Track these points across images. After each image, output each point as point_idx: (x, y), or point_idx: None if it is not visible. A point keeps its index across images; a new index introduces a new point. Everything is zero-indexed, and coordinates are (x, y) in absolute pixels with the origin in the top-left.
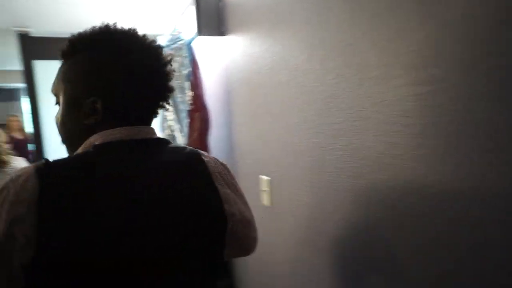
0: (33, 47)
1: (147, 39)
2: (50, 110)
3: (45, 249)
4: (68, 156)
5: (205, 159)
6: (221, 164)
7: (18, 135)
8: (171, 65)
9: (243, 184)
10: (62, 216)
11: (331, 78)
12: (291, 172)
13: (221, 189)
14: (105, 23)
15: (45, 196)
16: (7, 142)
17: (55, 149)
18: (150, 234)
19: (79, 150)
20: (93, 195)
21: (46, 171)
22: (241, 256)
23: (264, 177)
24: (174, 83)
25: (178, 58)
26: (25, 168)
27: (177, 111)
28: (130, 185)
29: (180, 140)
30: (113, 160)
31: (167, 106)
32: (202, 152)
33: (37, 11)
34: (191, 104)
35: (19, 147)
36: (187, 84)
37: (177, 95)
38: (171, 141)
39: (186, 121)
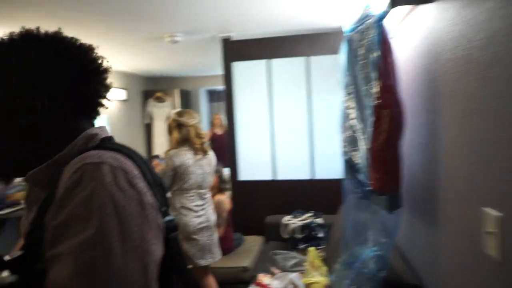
0: (233, 50)
1: (76, 40)
2: (244, 107)
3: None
4: (108, 146)
5: None
6: None
7: (218, 131)
8: (108, 61)
9: (450, 216)
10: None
11: None
12: None
13: None
14: (25, 28)
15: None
16: (210, 137)
17: (245, 143)
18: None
19: (67, 150)
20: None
21: (129, 158)
22: None
23: (491, 212)
24: (358, 72)
25: (364, 42)
26: (111, 158)
27: (360, 107)
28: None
29: (362, 143)
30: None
31: (106, 104)
32: None
33: (239, 16)
34: (378, 98)
35: (218, 141)
36: (374, 73)
37: (362, 87)
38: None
39: (370, 120)
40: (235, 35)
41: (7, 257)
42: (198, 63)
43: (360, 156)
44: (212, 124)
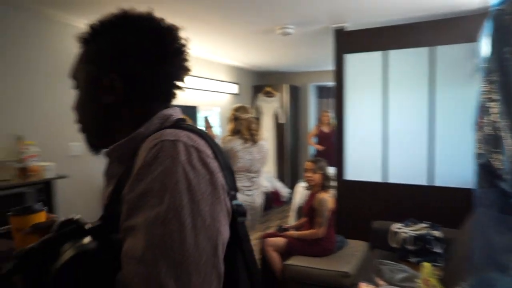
0: (346, 41)
1: (164, 21)
2: (355, 103)
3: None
4: (183, 126)
5: None
6: None
7: (325, 129)
8: (188, 43)
9: None
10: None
11: None
12: None
13: None
14: (123, 9)
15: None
16: (316, 134)
17: (354, 142)
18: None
19: (139, 131)
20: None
21: (202, 138)
22: None
23: None
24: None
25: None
26: (186, 136)
27: (508, 99)
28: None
29: (509, 143)
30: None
31: (183, 86)
32: None
33: (355, 3)
34: None
35: (324, 139)
36: None
37: None
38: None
39: None
40: (349, 25)
41: (88, 225)
42: (309, 57)
43: (505, 160)
44: (319, 121)
